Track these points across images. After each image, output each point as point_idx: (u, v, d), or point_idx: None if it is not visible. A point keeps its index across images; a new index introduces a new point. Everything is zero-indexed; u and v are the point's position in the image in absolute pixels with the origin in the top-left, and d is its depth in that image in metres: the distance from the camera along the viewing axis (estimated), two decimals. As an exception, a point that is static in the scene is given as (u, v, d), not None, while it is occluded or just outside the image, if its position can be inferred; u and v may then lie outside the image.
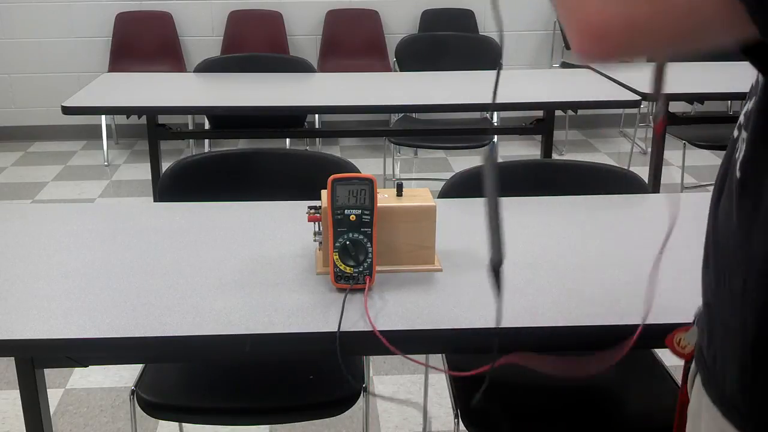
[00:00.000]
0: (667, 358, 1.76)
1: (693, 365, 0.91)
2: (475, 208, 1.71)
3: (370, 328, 1.21)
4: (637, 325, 1.19)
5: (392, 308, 1.26)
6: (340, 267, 1.30)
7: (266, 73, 3.33)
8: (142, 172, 4.71)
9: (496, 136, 3.86)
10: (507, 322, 1.22)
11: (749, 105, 0.77)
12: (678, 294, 1.29)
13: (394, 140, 3.84)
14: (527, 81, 3.26)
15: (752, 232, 0.74)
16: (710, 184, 4.17)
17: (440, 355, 1.79)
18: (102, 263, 1.43)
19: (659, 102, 0.89)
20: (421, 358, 1.32)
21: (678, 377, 1.29)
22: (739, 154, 0.76)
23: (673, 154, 4.68)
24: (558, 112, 3.27)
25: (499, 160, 1.92)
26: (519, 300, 1.29)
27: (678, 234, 1.54)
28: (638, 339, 1.27)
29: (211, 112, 3.55)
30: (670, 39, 0.65)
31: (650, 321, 1.22)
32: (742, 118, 0.78)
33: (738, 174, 0.76)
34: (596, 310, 1.25)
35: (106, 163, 4.89)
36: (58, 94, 5.18)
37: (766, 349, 0.74)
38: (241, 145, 4.94)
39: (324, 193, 1.34)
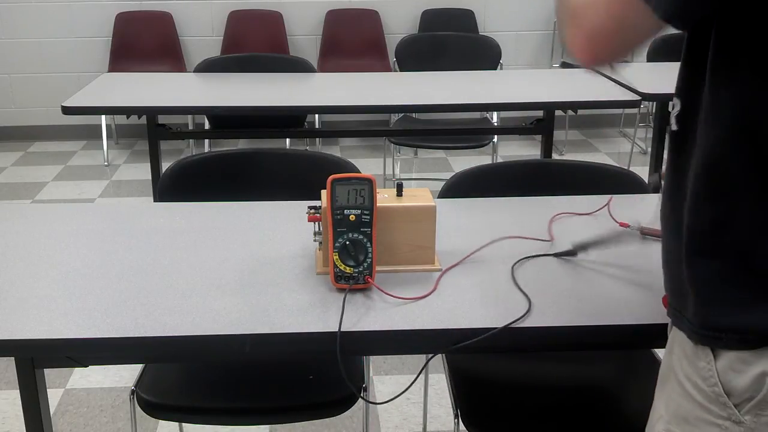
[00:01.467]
0: (667, 358, 1.76)
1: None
2: (476, 208, 1.71)
3: (370, 328, 1.21)
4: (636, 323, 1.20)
5: (392, 308, 1.26)
6: (340, 267, 1.30)
7: (266, 73, 3.33)
8: (142, 172, 4.71)
9: (496, 136, 3.86)
10: (506, 322, 1.22)
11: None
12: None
13: (394, 140, 3.84)
14: (527, 81, 3.26)
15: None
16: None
17: (440, 354, 1.79)
18: (102, 263, 1.43)
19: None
20: (421, 358, 1.32)
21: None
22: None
23: (673, 154, 4.66)
24: (558, 112, 3.27)
25: (499, 160, 1.92)
26: (519, 299, 1.29)
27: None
28: (638, 339, 1.27)
29: (211, 112, 3.55)
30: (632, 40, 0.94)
31: (651, 321, 1.22)
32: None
33: (675, 126, 1.01)
34: (596, 310, 1.25)
35: (106, 163, 4.89)
36: (58, 94, 5.17)
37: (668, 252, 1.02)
38: (241, 145, 4.94)
39: (324, 193, 1.34)
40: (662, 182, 1.26)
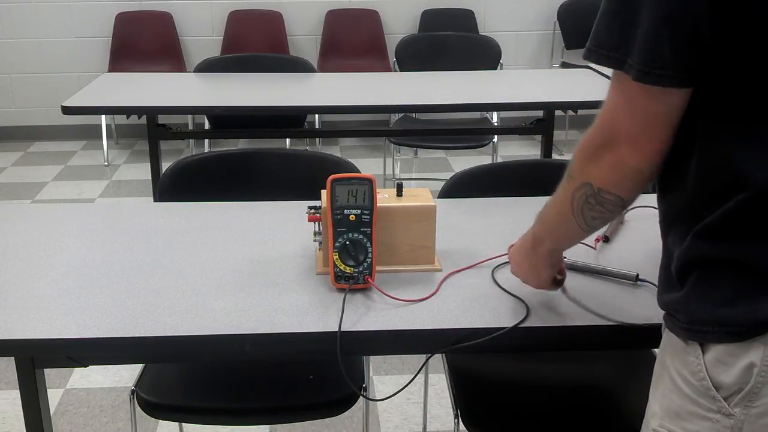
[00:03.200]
0: (667, 358, 1.76)
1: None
2: (476, 208, 1.71)
3: (370, 328, 1.21)
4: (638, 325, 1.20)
5: (392, 308, 1.26)
6: (340, 267, 1.30)
7: (266, 73, 3.33)
8: (142, 172, 4.70)
9: (496, 136, 3.86)
10: (506, 322, 1.22)
11: None
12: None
13: (394, 140, 3.84)
14: (527, 81, 3.26)
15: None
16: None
17: (440, 355, 1.79)
18: (102, 263, 1.43)
19: None
20: (421, 358, 1.32)
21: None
22: None
23: (673, 154, 4.66)
24: (558, 112, 3.27)
25: (499, 160, 1.92)
26: (516, 300, 1.29)
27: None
28: (638, 339, 1.27)
29: (211, 112, 3.55)
30: None
31: (651, 321, 1.22)
32: None
33: None
34: (596, 310, 1.25)
35: (106, 163, 4.89)
36: (58, 94, 5.17)
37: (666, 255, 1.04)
38: (241, 145, 4.94)
39: (324, 193, 1.34)
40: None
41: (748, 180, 0.90)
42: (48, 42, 5.15)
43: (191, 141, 5.06)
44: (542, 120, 3.23)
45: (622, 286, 1.33)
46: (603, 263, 1.41)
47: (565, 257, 1.41)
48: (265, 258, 1.45)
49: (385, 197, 1.39)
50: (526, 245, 1.21)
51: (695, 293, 0.97)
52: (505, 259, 1.44)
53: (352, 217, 1.30)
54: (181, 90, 3.09)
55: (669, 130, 0.94)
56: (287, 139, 4.77)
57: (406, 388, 2.48)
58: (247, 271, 1.40)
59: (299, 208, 1.66)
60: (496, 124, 4.36)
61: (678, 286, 0.99)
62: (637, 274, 1.33)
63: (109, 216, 1.67)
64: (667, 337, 1.02)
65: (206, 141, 4.98)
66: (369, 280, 1.31)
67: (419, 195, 1.42)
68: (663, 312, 1.04)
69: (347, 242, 1.30)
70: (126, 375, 2.60)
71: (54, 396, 2.50)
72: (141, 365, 1.71)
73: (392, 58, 4.48)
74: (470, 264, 1.41)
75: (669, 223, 1.03)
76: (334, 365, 1.21)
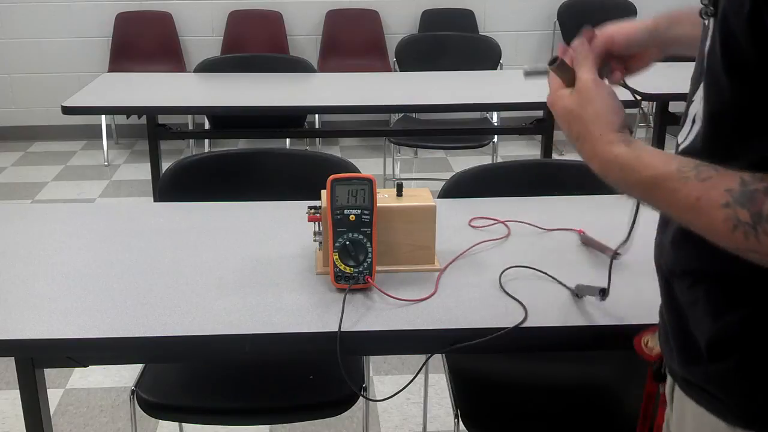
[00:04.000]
0: (667, 358, 1.76)
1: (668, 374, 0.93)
2: (475, 208, 1.71)
3: (370, 328, 1.21)
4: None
5: (392, 308, 1.26)
6: (340, 267, 1.30)
7: (266, 73, 3.33)
8: (142, 172, 4.70)
9: (496, 136, 3.86)
10: (506, 322, 1.22)
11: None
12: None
13: (394, 140, 3.84)
14: (527, 81, 3.26)
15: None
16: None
17: (440, 355, 1.79)
18: (102, 263, 1.43)
19: None
20: (421, 358, 1.32)
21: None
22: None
23: (673, 154, 4.66)
24: (558, 112, 3.26)
25: (499, 160, 1.92)
26: (517, 302, 1.29)
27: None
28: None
29: (211, 112, 3.55)
30: None
31: (651, 321, 1.21)
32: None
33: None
34: (596, 310, 1.25)
35: (106, 163, 4.89)
36: (58, 94, 5.17)
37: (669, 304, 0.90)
38: (241, 145, 4.94)
39: (324, 193, 1.34)
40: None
41: None
42: (48, 42, 5.15)
43: (191, 141, 5.06)
44: (542, 120, 3.23)
45: (621, 286, 1.33)
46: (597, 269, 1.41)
47: (556, 278, 1.40)
48: (265, 258, 1.45)
49: (385, 197, 1.39)
50: (598, 156, 0.96)
51: (743, 371, 0.80)
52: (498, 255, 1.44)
53: (352, 217, 1.30)
54: (181, 90, 3.09)
55: None
56: (287, 139, 4.77)
57: (406, 388, 2.48)
58: (247, 271, 1.40)
59: (299, 208, 1.66)
60: (496, 124, 4.36)
61: (706, 356, 0.84)
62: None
63: (109, 216, 1.67)
64: (686, 409, 0.88)
65: (206, 141, 4.98)
66: (369, 280, 1.31)
67: (419, 195, 1.42)
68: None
69: (347, 242, 1.30)
70: (126, 375, 2.60)
71: (54, 396, 2.50)
72: (141, 365, 1.71)
73: (392, 58, 4.48)
74: (459, 254, 1.41)
75: (686, 277, 0.86)
76: (334, 365, 1.21)
